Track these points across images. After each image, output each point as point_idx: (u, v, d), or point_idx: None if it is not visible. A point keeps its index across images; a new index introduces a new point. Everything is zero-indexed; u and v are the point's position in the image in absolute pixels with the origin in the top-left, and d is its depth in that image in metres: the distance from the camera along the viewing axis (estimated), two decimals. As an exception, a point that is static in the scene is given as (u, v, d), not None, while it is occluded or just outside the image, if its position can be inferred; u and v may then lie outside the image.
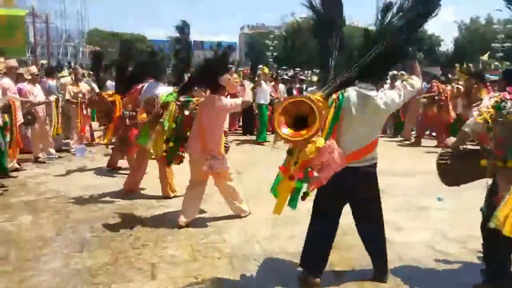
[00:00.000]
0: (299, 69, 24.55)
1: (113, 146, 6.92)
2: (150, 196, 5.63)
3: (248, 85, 11.56)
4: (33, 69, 7.62)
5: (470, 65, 14.17)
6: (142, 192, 5.85)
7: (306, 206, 5.26)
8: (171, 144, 4.60)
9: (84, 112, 8.51)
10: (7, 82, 6.92)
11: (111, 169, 7.12)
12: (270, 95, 11.03)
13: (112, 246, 4.05)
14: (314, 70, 19.14)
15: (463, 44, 55.48)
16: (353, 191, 3.28)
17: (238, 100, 4.67)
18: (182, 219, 4.55)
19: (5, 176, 6.28)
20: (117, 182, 6.18)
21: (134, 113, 5.99)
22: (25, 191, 5.87)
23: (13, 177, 6.51)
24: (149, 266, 3.64)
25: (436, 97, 9.99)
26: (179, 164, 5.00)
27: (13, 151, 6.01)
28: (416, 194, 5.94)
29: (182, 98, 4.72)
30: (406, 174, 7.20)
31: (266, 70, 11.47)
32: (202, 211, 4.99)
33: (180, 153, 4.80)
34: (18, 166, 7.01)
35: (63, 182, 6.35)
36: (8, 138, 6.09)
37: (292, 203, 3.08)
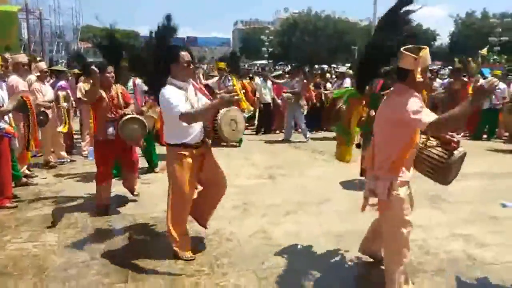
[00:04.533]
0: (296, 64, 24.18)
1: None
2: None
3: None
4: (42, 65, 6.91)
5: (469, 59, 13.91)
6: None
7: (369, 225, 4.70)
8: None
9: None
10: (14, 79, 6.22)
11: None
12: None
13: (160, 272, 3.40)
14: (334, 65, 18.88)
15: (459, 38, 55.35)
16: None
17: None
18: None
19: (17, 185, 5.60)
20: (142, 190, 5.50)
21: None
22: (41, 202, 5.17)
23: (25, 184, 5.83)
24: (215, 301, 3.01)
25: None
26: None
27: (23, 156, 5.34)
28: (480, 201, 5.35)
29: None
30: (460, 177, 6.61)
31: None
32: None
33: None
34: (28, 172, 6.32)
35: (82, 191, 5.65)
36: (17, 145, 5.38)
37: None
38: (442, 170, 3.11)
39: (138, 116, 4.90)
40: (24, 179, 5.96)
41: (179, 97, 3.42)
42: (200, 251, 3.80)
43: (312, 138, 10.11)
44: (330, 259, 3.71)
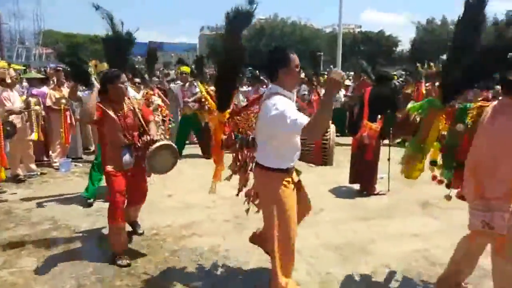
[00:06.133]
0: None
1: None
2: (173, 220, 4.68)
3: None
4: (12, 72, 6.43)
5: (432, 64, 14.29)
6: (160, 215, 4.87)
7: (367, 235, 4.47)
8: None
9: (68, 120, 7.38)
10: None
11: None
12: None
13: (157, 300, 3.11)
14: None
15: (420, 45, 57.08)
16: None
17: None
18: None
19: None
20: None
21: None
22: (14, 221, 4.73)
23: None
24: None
25: None
26: None
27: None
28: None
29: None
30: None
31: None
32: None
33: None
34: (-5, 188, 5.83)
35: (57, 207, 5.23)
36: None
37: None
38: None
39: (169, 143, 3.78)
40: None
41: (295, 109, 2.67)
42: (197, 273, 3.53)
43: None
44: (333, 274, 3.53)
